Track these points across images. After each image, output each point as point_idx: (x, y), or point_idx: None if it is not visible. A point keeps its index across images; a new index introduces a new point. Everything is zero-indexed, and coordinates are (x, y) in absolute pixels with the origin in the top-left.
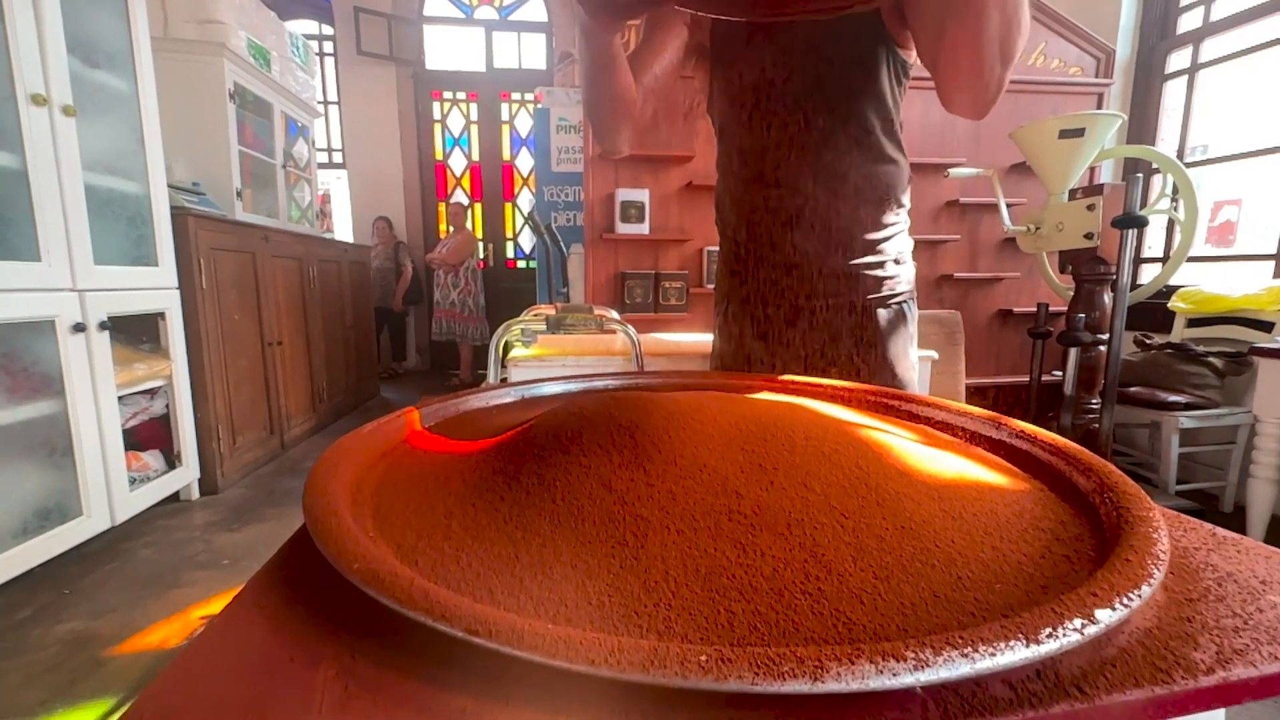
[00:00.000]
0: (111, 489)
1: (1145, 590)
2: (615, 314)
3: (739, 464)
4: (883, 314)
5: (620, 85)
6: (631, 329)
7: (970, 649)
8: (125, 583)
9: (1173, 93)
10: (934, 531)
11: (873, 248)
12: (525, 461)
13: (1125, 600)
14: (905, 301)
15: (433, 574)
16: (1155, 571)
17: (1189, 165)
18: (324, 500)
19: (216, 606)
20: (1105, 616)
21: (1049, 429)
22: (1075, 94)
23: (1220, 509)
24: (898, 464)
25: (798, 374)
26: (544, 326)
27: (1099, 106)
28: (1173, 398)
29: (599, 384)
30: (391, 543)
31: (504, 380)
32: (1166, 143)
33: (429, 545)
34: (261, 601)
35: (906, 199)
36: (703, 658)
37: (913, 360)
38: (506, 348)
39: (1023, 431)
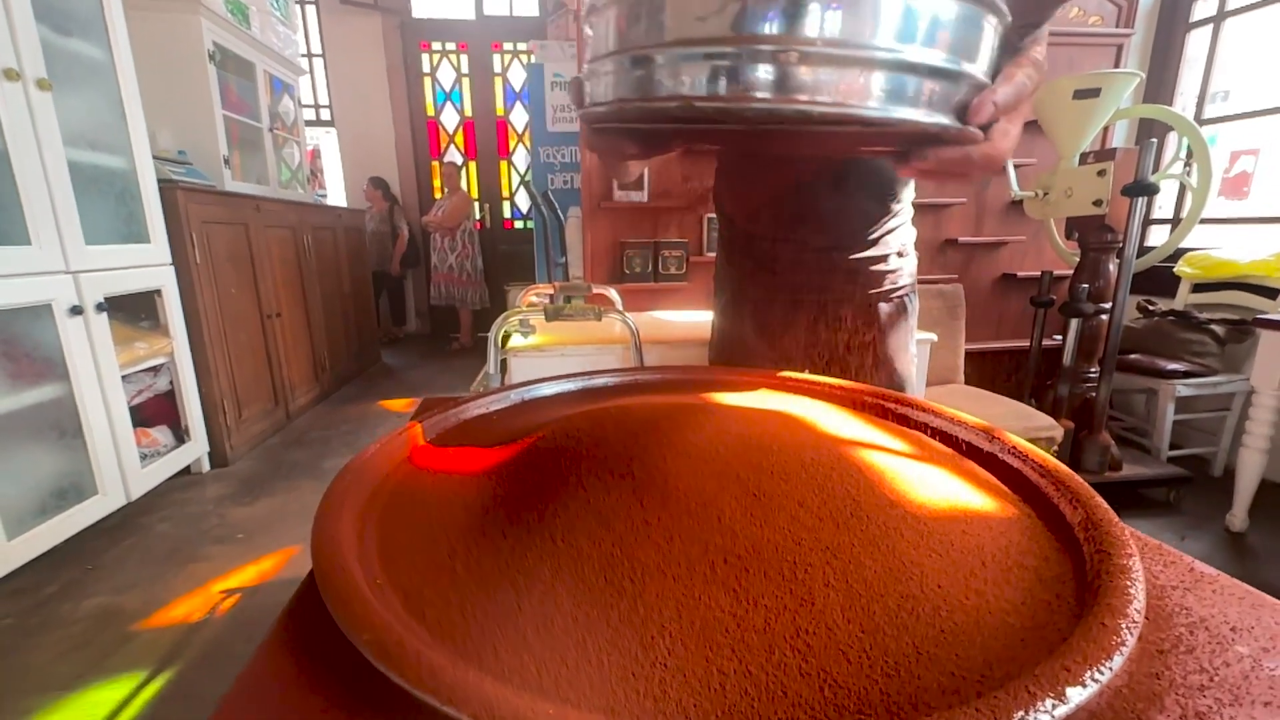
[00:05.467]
0: (124, 466)
1: (1116, 660)
2: (615, 295)
3: (734, 494)
4: (884, 308)
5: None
6: (630, 318)
7: None
8: (145, 557)
9: (1195, 42)
10: (922, 573)
11: (875, 241)
12: (525, 492)
13: (1096, 675)
14: (907, 295)
15: (440, 629)
16: (1128, 638)
17: (1207, 122)
18: (331, 551)
19: (234, 580)
20: (1076, 695)
21: (1047, 396)
22: (1093, 45)
23: (1210, 473)
24: (890, 493)
25: (796, 369)
26: (542, 317)
27: (1118, 59)
28: (1171, 365)
29: (598, 381)
30: (399, 589)
31: (503, 363)
32: (1186, 96)
33: (435, 594)
34: (273, 670)
35: (910, 190)
36: None
37: (912, 353)
38: (505, 337)
39: (1015, 447)
